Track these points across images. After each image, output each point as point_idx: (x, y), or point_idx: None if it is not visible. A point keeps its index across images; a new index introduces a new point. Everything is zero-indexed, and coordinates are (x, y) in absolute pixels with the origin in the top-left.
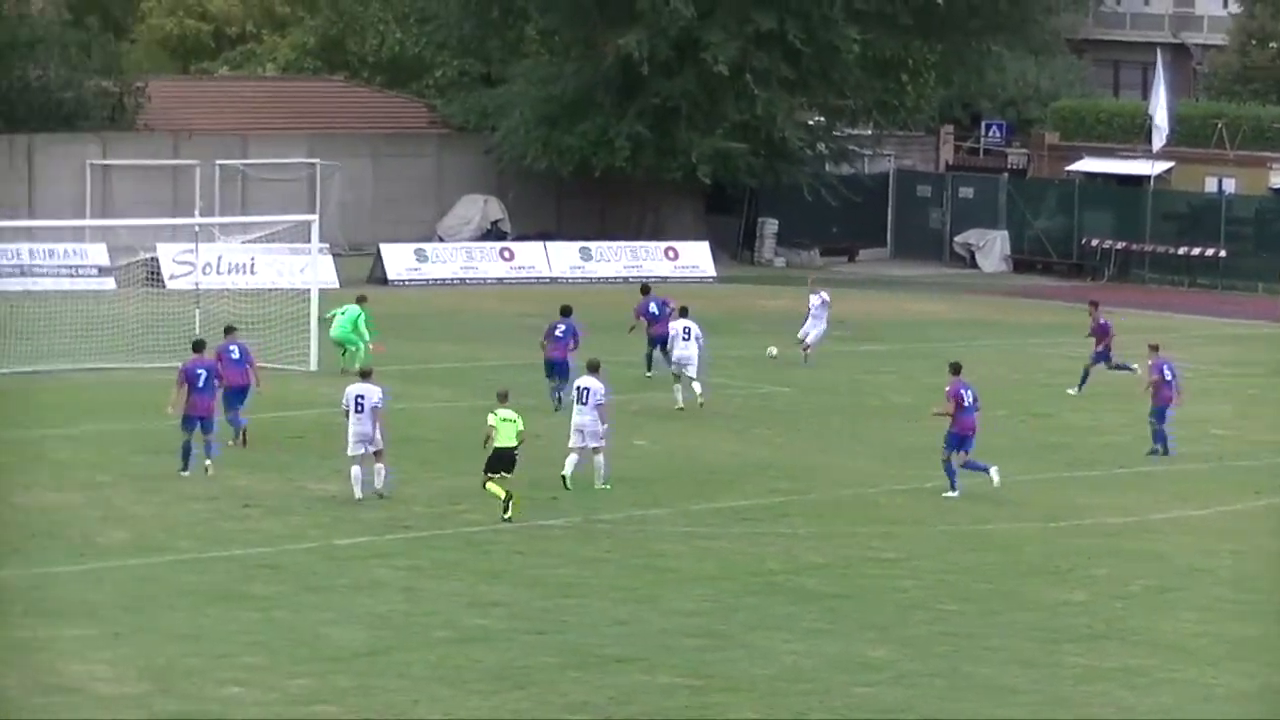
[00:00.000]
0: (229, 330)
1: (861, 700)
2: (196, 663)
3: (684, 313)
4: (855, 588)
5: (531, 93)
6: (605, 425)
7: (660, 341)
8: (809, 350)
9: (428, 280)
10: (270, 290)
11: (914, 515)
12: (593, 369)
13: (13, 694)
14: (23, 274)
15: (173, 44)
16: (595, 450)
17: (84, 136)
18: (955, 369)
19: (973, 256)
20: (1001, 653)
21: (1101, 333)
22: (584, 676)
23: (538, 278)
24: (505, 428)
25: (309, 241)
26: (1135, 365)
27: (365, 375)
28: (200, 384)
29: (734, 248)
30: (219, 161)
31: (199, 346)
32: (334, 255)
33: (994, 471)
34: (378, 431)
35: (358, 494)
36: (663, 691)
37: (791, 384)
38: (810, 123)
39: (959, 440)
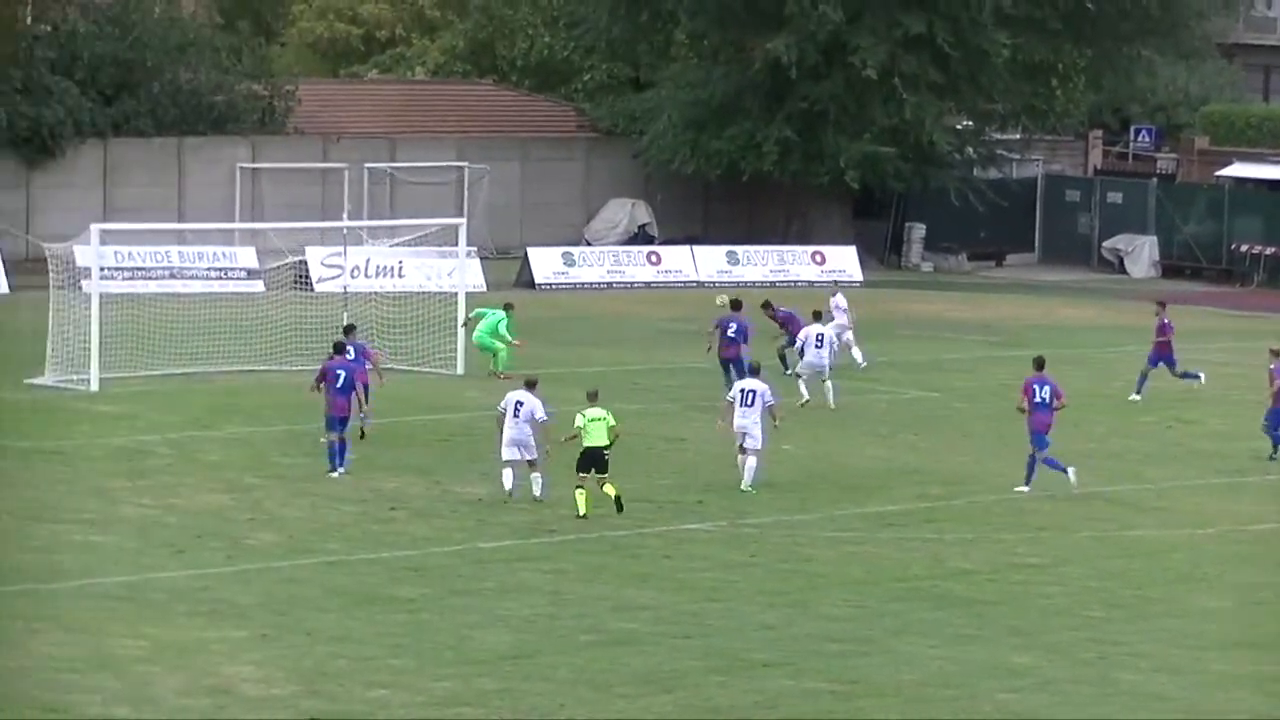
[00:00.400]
0: (349, 330)
1: (1007, 706)
2: (343, 665)
3: (816, 317)
4: (1001, 593)
5: (680, 96)
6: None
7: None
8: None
9: (575, 284)
10: (418, 293)
11: (1061, 521)
12: (754, 371)
13: (174, 695)
14: (172, 276)
15: (322, 47)
16: (747, 450)
17: (234, 139)
18: (1038, 364)
19: (1121, 262)
20: (1148, 659)
21: (1161, 332)
22: (729, 681)
23: (684, 282)
24: (595, 427)
25: (457, 245)
26: (1201, 374)
27: (531, 385)
28: (339, 384)
29: (881, 252)
30: (368, 164)
31: (339, 348)
32: (481, 258)
33: (1072, 473)
34: (534, 441)
35: (507, 485)
36: (808, 696)
37: (939, 389)
38: (959, 127)
39: (1042, 435)
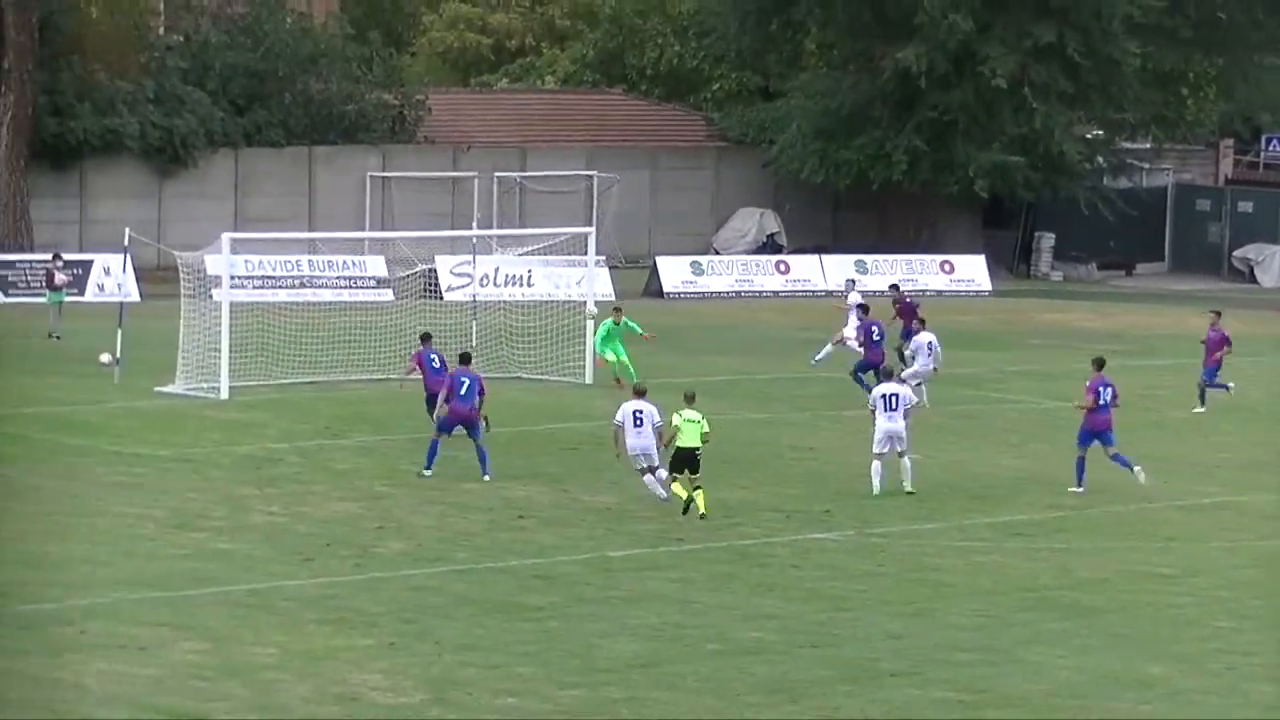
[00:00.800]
0: (426, 338)
1: (1136, 717)
2: (471, 673)
3: (922, 324)
4: (1130, 603)
5: (809, 106)
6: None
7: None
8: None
9: (703, 293)
10: (546, 302)
11: (1191, 531)
12: (889, 375)
13: (302, 703)
14: (302, 285)
15: (453, 57)
16: (901, 454)
17: (364, 149)
18: (1098, 364)
19: (1252, 271)
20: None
21: (1214, 345)
22: (856, 690)
23: (812, 291)
24: (689, 428)
25: (586, 254)
26: (1231, 385)
27: (640, 393)
28: (462, 392)
29: (1010, 261)
30: (497, 174)
31: (465, 359)
32: (610, 267)
33: (1140, 471)
34: (656, 447)
35: (663, 494)
36: (935, 706)
37: (1069, 398)
38: (1088, 136)
39: (1090, 436)
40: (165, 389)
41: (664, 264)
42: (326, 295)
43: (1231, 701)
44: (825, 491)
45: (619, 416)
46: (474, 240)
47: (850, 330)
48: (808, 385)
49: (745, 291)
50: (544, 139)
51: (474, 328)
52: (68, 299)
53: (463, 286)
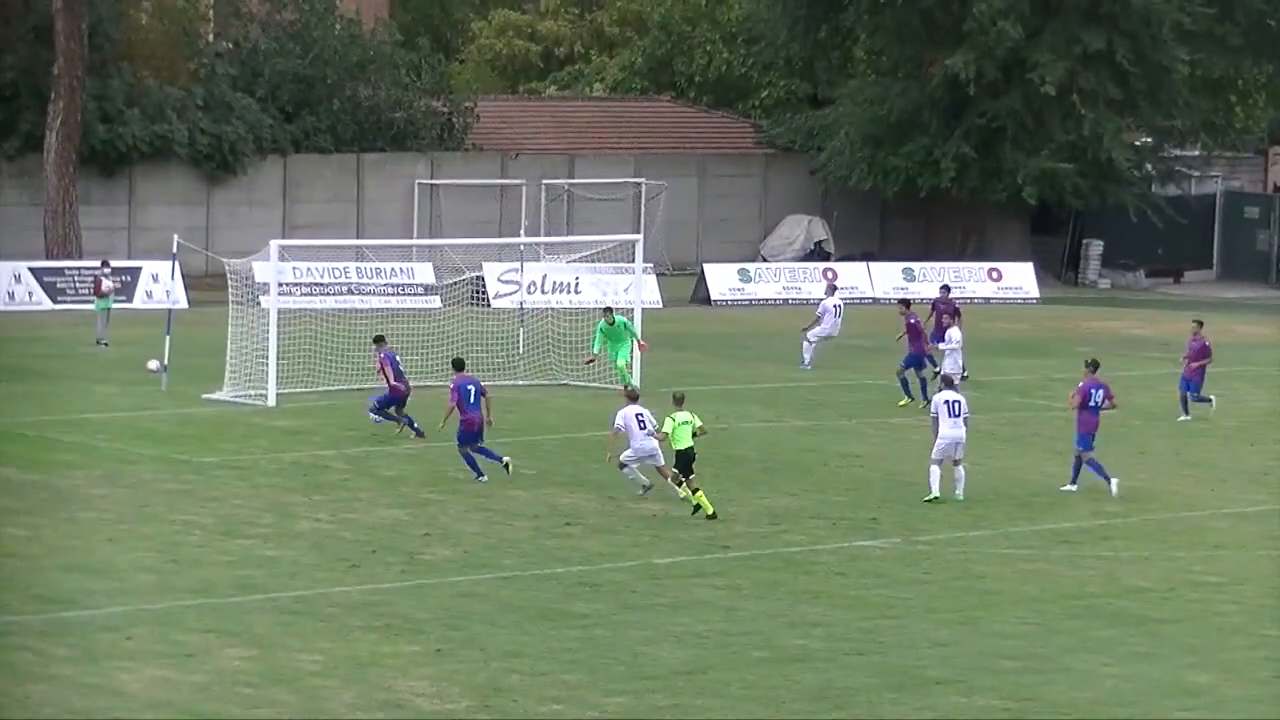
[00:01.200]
0: (379, 340)
1: None
2: (517, 680)
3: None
4: (1177, 611)
5: (857, 113)
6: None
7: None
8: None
9: (750, 300)
10: (594, 309)
11: (1238, 539)
12: (949, 384)
13: (347, 710)
14: (350, 292)
15: (501, 64)
16: (956, 462)
17: (413, 156)
18: (1092, 366)
19: None
20: None
21: (1195, 355)
22: (902, 698)
23: (860, 298)
24: (682, 430)
25: (633, 261)
26: (1214, 399)
27: (634, 398)
28: (471, 399)
29: (1058, 269)
30: (545, 181)
31: (460, 365)
32: (658, 275)
33: (1114, 484)
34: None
35: (645, 482)
36: (981, 714)
37: (1116, 406)
38: (1137, 144)
39: (1088, 439)
40: (213, 396)
41: (711, 271)
42: (374, 302)
43: (1278, 710)
44: (871, 499)
45: (620, 421)
46: (521, 247)
47: (822, 328)
48: (854, 392)
49: (793, 299)
50: (592, 146)
51: (521, 335)
52: (115, 306)
53: (510, 294)
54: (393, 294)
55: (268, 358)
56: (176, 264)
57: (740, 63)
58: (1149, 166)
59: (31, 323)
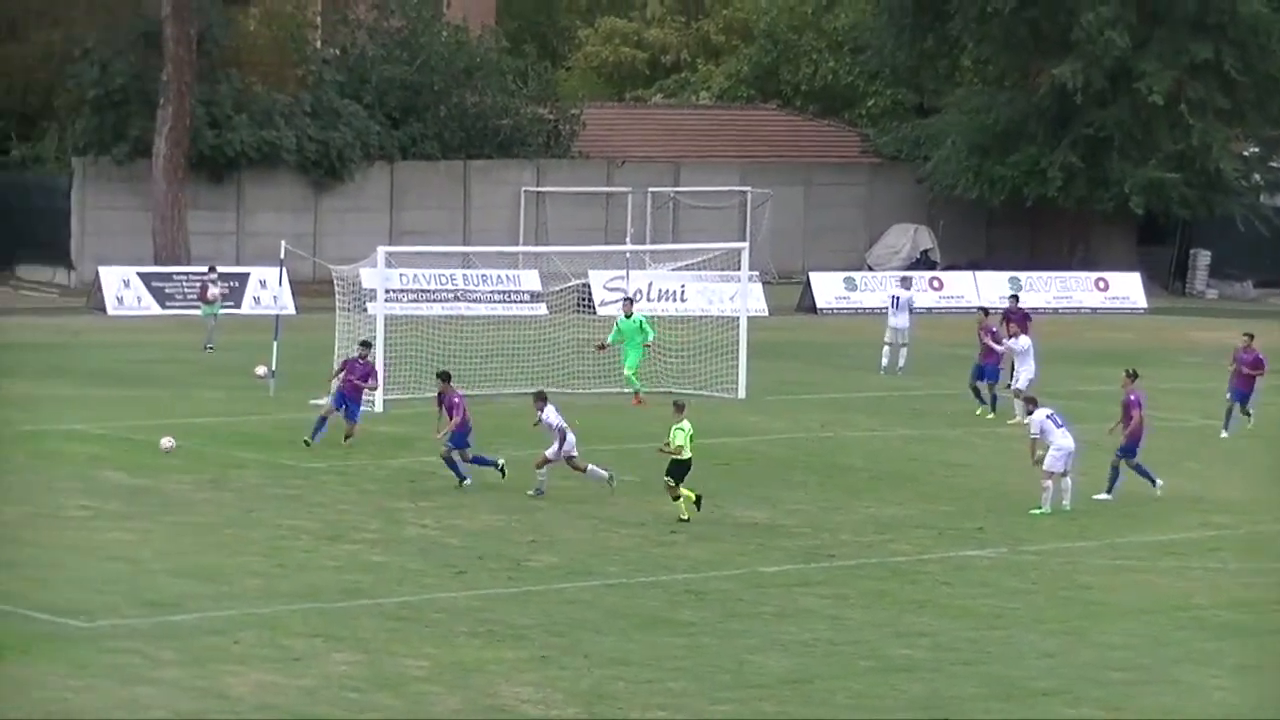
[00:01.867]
0: (366, 344)
1: None
2: (622, 687)
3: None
4: None
5: (964, 122)
6: None
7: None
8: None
9: (856, 309)
10: (700, 317)
11: None
12: (1032, 402)
13: (455, 715)
14: (456, 299)
15: (608, 71)
16: (1065, 473)
17: (519, 163)
18: (1134, 376)
19: None
20: None
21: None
22: (1008, 708)
23: (966, 307)
24: (678, 437)
25: (739, 269)
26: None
27: (680, 408)
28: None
29: (1165, 279)
30: (651, 189)
31: (447, 377)
32: (764, 283)
33: (1159, 486)
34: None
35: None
36: None
37: (1219, 416)
38: (1245, 153)
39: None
40: (319, 401)
41: (817, 280)
42: (480, 309)
43: None
44: (977, 508)
45: (556, 420)
46: (627, 255)
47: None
48: (959, 401)
49: None
50: (698, 154)
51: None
52: (222, 311)
53: (616, 301)
54: (499, 301)
55: (375, 364)
56: (284, 270)
57: (846, 71)
58: (1257, 176)
59: (140, 327)
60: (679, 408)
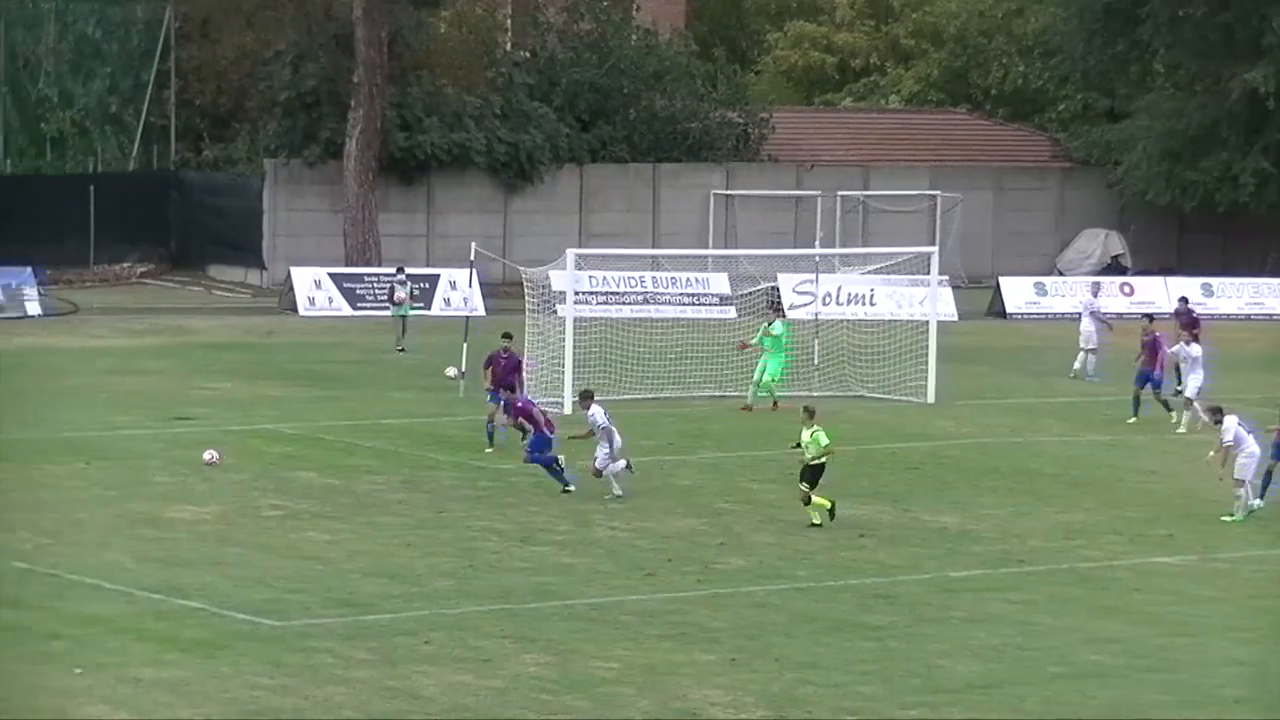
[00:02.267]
0: (508, 336)
1: None
2: (812, 691)
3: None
4: None
5: (1155, 127)
6: None
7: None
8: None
9: (1046, 314)
10: (889, 321)
11: None
12: (1218, 411)
13: (645, 717)
14: (646, 301)
15: (797, 75)
16: (1240, 483)
17: (709, 166)
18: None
19: None
20: None
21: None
22: (1199, 716)
23: (1158, 313)
24: (813, 442)
25: (928, 273)
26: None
27: (810, 413)
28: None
29: None
30: (840, 193)
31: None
32: (953, 287)
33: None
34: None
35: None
36: None
37: None
38: None
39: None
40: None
41: (1007, 284)
42: (669, 312)
43: None
44: (1167, 515)
45: (602, 419)
46: (817, 259)
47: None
48: (1149, 408)
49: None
50: (887, 158)
51: (816, 346)
52: (413, 313)
53: (805, 305)
54: (688, 304)
55: (564, 365)
56: (474, 272)
57: (1037, 75)
58: None
59: (331, 328)
60: (809, 414)
